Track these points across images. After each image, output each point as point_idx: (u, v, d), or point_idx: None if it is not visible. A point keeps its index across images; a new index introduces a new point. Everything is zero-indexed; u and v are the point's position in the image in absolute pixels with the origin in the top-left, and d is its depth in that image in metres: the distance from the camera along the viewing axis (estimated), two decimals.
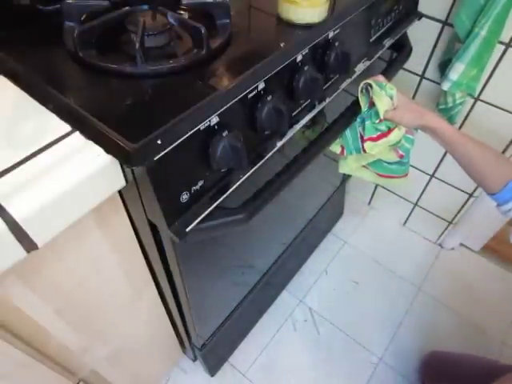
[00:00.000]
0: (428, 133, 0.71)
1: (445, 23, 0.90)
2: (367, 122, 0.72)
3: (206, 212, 0.48)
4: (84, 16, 0.51)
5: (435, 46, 0.95)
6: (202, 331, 0.85)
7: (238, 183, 0.51)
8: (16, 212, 0.33)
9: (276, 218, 0.87)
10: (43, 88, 0.43)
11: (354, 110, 0.71)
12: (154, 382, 1.01)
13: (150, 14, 0.51)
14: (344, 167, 0.85)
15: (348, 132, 0.76)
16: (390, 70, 0.80)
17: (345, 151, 0.78)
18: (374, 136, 0.73)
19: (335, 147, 0.79)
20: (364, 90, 0.70)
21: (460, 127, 1.03)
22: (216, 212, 0.49)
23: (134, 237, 0.56)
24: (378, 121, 0.70)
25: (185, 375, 1.06)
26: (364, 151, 0.75)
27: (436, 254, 1.35)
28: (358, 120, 0.73)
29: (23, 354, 0.49)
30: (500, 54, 0.86)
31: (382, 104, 0.68)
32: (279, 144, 0.56)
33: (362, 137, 0.74)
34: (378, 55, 0.75)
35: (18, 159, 0.37)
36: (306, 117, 0.60)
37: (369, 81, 0.68)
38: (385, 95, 0.68)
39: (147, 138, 0.37)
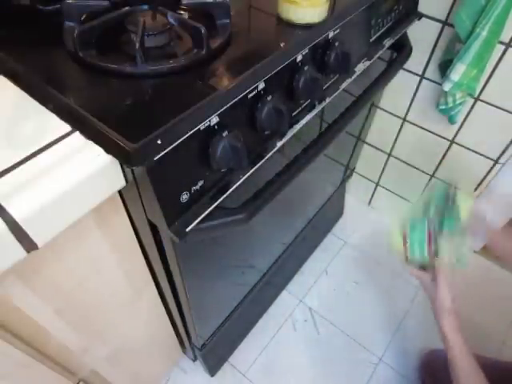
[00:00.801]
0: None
1: (445, 23, 0.90)
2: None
3: (206, 212, 0.48)
4: (84, 16, 0.51)
5: (435, 46, 0.95)
6: (202, 331, 0.85)
7: (238, 183, 0.51)
8: (16, 212, 0.33)
9: (276, 218, 0.87)
10: (43, 88, 0.43)
11: (354, 110, 0.71)
12: (154, 382, 1.01)
13: (150, 14, 0.51)
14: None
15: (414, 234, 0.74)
16: (389, 70, 0.80)
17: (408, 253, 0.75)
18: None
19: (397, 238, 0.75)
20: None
21: (460, 127, 1.03)
22: (216, 212, 0.49)
23: (134, 237, 0.56)
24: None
25: (185, 375, 1.06)
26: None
27: None
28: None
29: (23, 354, 0.49)
30: (500, 54, 0.86)
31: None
32: (279, 144, 0.56)
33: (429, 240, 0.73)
34: (378, 55, 0.75)
35: (18, 159, 0.37)
36: (306, 117, 0.60)
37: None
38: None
39: (147, 138, 0.37)
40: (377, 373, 1.08)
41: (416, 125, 1.12)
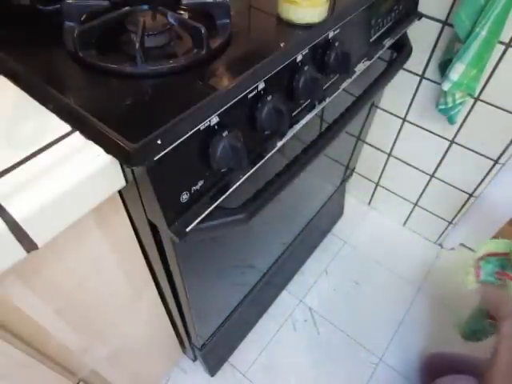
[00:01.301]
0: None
1: (445, 23, 0.90)
2: None
3: (206, 212, 0.48)
4: (84, 16, 0.51)
5: (435, 46, 0.95)
6: (202, 331, 0.85)
7: (238, 183, 0.51)
8: (16, 212, 0.33)
9: (276, 218, 0.87)
10: (43, 88, 0.43)
11: (354, 110, 0.71)
12: (154, 382, 1.01)
13: (150, 14, 0.51)
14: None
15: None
16: (389, 70, 0.80)
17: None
18: None
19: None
20: None
21: (460, 127, 1.03)
22: (216, 212, 0.49)
23: (134, 237, 0.56)
24: None
25: (185, 375, 1.06)
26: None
27: (436, 254, 1.35)
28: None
29: (23, 354, 0.49)
30: (500, 54, 0.86)
31: None
32: (279, 144, 0.56)
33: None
34: (378, 55, 0.75)
35: (18, 159, 0.37)
36: (306, 117, 0.60)
37: None
38: None
39: (147, 138, 0.37)
40: (377, 373, 1.08)
41: (416, 125, 1.12)
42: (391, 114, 1.15)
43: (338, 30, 0.59)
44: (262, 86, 0.49)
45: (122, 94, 0.42)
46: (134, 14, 0.51)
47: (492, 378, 0.66)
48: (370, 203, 1.46)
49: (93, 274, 0.53)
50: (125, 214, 0.51)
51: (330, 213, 1.34)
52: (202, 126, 0.42)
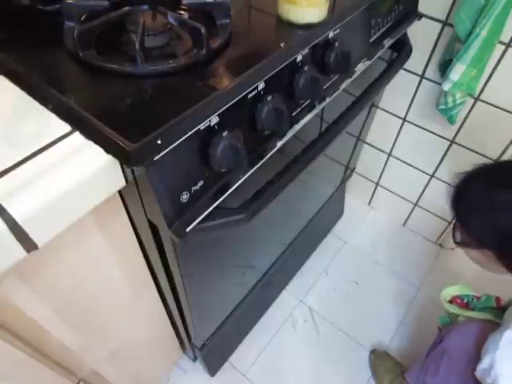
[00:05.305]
0: None
1: (445, 23, 0.90)
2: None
3: (206, 212, 0.48)
4: (84, 16, 0.51)
5: (435, 46, 0.95)
6: (202, 331, 0.85)
7: (238, 183, 0.51)
8: (16, 212, 0.33)
9: (276, 218, 0.87)
10: (43, 88, 0.43)
11: (354, 110, 0.71)
12: (154, 382, 1.01)
13: (150, 14, 0.51)
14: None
15: None
16: (389, 70, 0.80)
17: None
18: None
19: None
20: None
21: (460, 127, 1.03)
22: (216, 212, 0.49)
23: (134, 237, 0.56)
24: None
25: (185, 375, 1.06)
26: None
27: (436, 254, 1.34)
28: None
29: (23, 354, 0.49)
30: (500, 54, 0.86)
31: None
32: (279, 144, 0.56)
33: None
34: (378, 55, 0.75)
35: (18, 159, 0.37)
36: (305, 117, 0.60)
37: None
38: None
39: (147, 137, 0.37)
40: None
41: (416, 125, 1.12)
42: (391, 114, 1.15)
43: (337, 30, 0.59)
44: (261, 86, 0.49)
45: (122, 93, 0.42)
46: (133, 14, 0.51)
47: None
48: (370, 203, 1.46)
49: (93, 274, 0.53)
50: (125, 213, 0.51)
51: (330, 213, 1.34)
52: (201, 126, 0.42)
